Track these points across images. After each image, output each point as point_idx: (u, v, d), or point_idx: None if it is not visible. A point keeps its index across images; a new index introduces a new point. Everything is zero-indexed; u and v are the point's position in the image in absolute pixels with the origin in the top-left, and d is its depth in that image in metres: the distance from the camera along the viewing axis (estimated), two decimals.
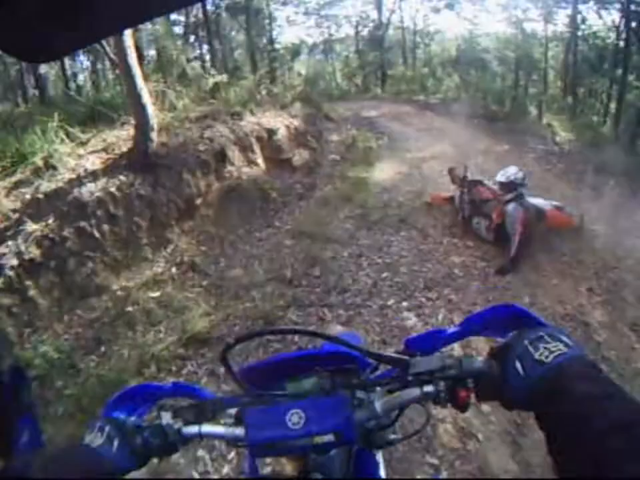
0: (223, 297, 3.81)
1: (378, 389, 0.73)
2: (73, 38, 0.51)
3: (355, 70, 13.03)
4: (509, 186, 4.53)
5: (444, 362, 0.68)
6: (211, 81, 6.74)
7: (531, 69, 11.76)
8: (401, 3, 13.33)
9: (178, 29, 11.85)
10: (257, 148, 5.59)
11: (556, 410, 0.53)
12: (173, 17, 11.04)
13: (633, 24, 9.46)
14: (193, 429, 0.73)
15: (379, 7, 13.09)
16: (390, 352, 0.76)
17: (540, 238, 4.58)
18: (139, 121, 4.49)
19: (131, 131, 4.62)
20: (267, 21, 12.73)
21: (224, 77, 7.00)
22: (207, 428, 0.73)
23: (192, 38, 11.72)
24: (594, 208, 5.62)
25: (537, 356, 0.58)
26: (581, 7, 10.78)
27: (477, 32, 12.90)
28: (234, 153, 5.21)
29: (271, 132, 5.89)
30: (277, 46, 13.08)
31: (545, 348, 0.59)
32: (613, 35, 10.73)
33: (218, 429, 0.74)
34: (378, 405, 0.71)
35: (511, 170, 4.64)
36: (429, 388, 0.69)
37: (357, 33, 13.51)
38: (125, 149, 4.49)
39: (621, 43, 10.28)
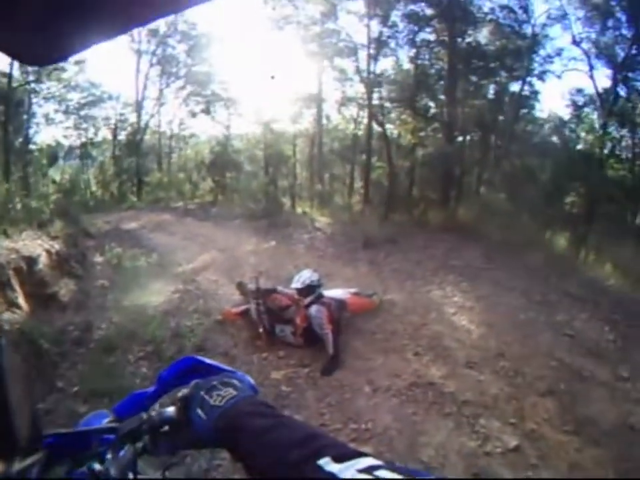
0: None
1: (109, 457, 0.76)
2: (74, 41, 0.51)
3: (110, 177, 12.44)
4: (307, 290, 4.65)
5: (141, 419, 0.78)
6: None
7: (280, 164, 12.90)
8: (160, 107, 13.46)
9: None
10: (15, 283, 4.65)
11: (236, 443, 0.63)
12: None
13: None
14: None
15: (138, 110, 12.91)
16: (102, 425, 0.85)
17: (347, 326, 4.82)
18: None
19: None
20: (25, 117, 11.27)
21: None
22: None
23: None
24: (377, 281, 6.14)
25: (212, 402, 0.68)
26: (323, 105, 12.66)
27: (230, 134, 13.67)
28: None
29: (31, 260, 5.03)
30: (33, 147, 11.70)
31: (218, 395, 0.69)
32: (351, 126, 12.81)
33: None
34: (113, 472, 0.74)
35: (305, 274, 4.76)
36: (139, 443, 0.78)
37: (114, 136, 13.05)
38: None
39: (359, 132, 12.37)
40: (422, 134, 11.43)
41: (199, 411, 0.70)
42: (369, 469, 0.47)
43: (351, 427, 3.51)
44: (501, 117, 11.21)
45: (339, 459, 0.50)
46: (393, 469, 0.47)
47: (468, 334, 4.93)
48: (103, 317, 5.20)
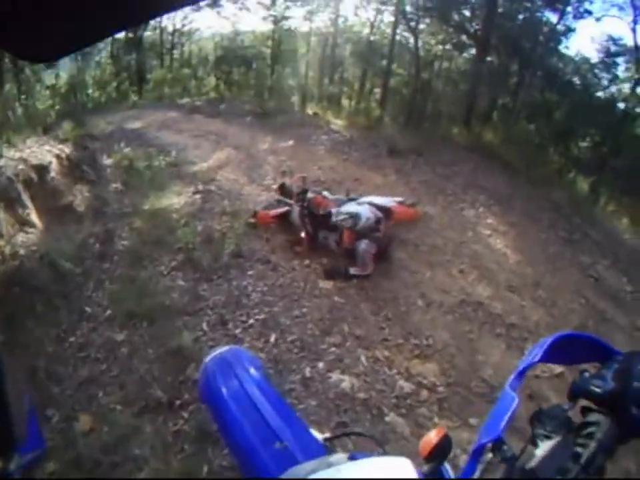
0: None
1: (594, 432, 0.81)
2: (73, 38, 0.51)
3: (108, 77, 11.57)
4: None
5: None
6: None
7: (289, 62, 12.21)
8: None
9: None
10: (26, 198, 4.08)
11: None
12: None
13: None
14: None
15: None
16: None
17: (390, 236, 4.51)
18: None
19: None
20: None
21: None
22: None
23: None
24: (407, 191, 5.94)
25: None
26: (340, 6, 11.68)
27: (238, 30, 12.66)
28: None
29: (42, 169, 4.43)
30: None
31: None
32: (366, 30, 11.81)
33: None
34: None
35: (363, 213, 4.26)
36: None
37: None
38: None
39: (373, 37, 11.48)
40: (448, 47, 10.79)
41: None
42: None
43: (412, 342, 3.53)
44: (528, 45, 10.11)
45: None
46: None
47: (505, 258, 5.00)
48: (123, 225, 4.69)
